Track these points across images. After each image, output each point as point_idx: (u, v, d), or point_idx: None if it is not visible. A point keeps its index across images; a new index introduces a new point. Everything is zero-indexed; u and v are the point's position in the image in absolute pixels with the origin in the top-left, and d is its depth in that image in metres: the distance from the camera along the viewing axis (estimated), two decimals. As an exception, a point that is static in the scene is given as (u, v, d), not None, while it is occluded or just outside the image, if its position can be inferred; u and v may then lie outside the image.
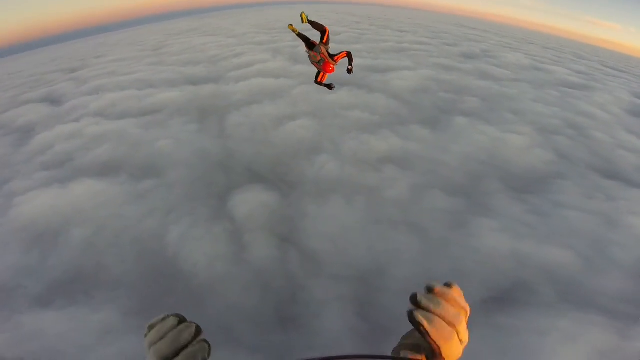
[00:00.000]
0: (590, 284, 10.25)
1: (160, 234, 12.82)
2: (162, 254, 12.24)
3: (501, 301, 9.64)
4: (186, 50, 49.25)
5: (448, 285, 1.19)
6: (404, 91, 26.60)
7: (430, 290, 1.17)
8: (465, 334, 1.15)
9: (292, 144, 18.30)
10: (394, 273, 10.59)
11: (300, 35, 5.10)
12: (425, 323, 1.09)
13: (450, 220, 12.47)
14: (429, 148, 17.66)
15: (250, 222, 13.25)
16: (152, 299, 10.76)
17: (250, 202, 14.18)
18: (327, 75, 5.35)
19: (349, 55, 5.04)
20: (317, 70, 5.30)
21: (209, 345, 1.11)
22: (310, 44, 5.01)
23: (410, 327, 1.10)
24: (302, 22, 5.01)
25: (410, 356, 1.16)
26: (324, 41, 4.98)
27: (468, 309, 1.18)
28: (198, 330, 1.11)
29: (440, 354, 1.11)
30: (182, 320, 1.14)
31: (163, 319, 1.13)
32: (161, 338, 1.07)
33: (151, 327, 1.12)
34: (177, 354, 1.04)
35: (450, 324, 1.11)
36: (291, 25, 5.09)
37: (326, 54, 5.06)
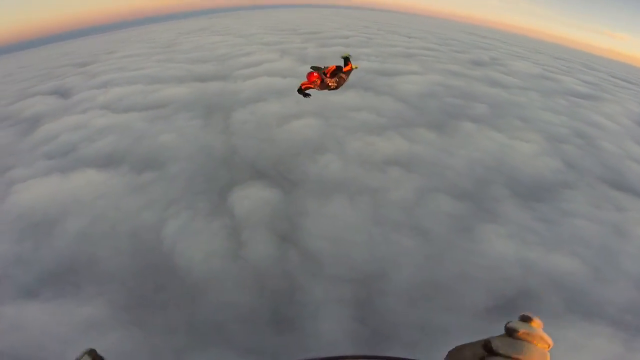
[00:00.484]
0: (597, 294, 9.78)
1: (157, 227, 12.51)
2: (158, 247, 11.92)
3: (506, 309, 9.18)
4: (196, 48, 49.35)
5: (525, 319, 1.09)
6: (412, 95, 26.20)
7: (525, 319, 1.09)
8: None
9: (296, 143, 17.97)
10: (396, 277, 10.15)
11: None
12: None
13: (456, 224, 12.01)
14: (436, 151, 17.22)
15: (250, 218, 12.90)
16: (143, 294, 10.41)
17: (251, 198, 13.84)
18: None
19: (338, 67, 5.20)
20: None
21: None
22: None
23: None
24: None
25: None
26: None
27: (551, 342, 1.07)
28: None
29: None
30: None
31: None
32: None
33: None
34: None
35: None
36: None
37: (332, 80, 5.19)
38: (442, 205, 12.85)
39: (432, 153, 16.99)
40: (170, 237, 12.19)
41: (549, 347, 1.06)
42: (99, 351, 1.29)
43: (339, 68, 5.44)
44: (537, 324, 1.07)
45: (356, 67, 5.27)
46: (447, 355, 1.16)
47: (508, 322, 1.07)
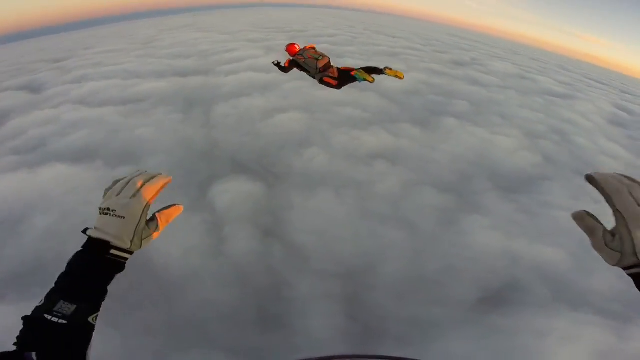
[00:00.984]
0: (582, 283, 9.82)
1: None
2: None
3: (495, 301, 9.08)
4: (177, 44, 47.89)
5: None
6: (396, 92, 26.19)
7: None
8: None
9: (280, 136, 17.51)
10: (383, 270, 9.88)
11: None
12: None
13: (441, 216, 11.88)
14: (420, 146, 17.16)
15: (232, 213, 12.36)
16: (117, 294, 9.46)
17: (233, 192, 13.29)
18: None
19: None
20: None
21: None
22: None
23: None
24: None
25: None
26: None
27: None
28: None
29: None
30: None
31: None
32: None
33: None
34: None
35: None
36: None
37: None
38: (427, 198, 12.72)
39: (416, 147, 16.92)
40: None
41: None
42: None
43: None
44: None
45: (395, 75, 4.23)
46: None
47: None
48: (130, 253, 1.13)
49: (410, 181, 13.76)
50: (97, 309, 1.04)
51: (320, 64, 4.50)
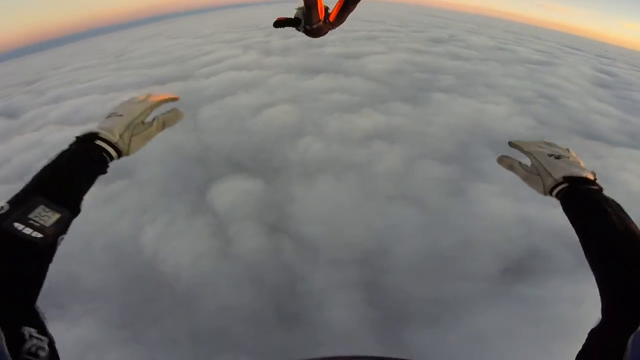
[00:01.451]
0: None
1: (135, 235, 11.25)
2: (139, 257, 10.73)
3: (519, 271, 8.75)
4: (150, 53, 46.61)
5: None
6: (381, 73, 25.96)
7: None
8: None
9: (272, 130, 17.03)
10: (397, 250, 9.53)
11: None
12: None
13: (447, 188, 11.64)
14: (413, 122, 16.91)
15: (234, 212, 11.91)
16: (133, 308, 9.29)
17: (232, 191, 12.82)
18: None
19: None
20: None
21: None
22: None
23: None
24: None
25: None
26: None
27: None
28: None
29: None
30: None
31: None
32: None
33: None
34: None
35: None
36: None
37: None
38: (430, 170, 12.47)
39: (410, 123, 16.66)
40: (150, 245, 11.01)
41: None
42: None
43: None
44: None
45: None
46: None
47: None
48: (118, 153, 1.01)
49: (410, 157, 13.47)
50: (66, 229, 0.82)
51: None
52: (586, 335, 0.74)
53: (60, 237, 0.81)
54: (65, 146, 0.97)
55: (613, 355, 0.60)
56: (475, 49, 43.48)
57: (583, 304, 7.25)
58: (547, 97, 25.20)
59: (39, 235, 0.71)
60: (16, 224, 0.69)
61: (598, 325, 0.74)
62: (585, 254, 0.89)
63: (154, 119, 1.11)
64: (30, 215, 0.71)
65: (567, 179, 1.00)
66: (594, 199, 0.93)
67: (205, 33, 62.84)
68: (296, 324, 8.12)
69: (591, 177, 1.01)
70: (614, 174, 13.26)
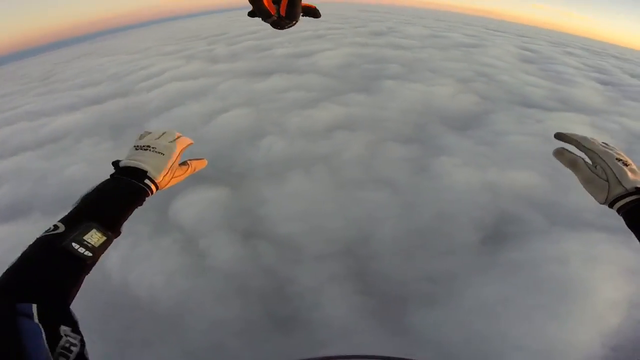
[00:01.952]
0: (566, 202, 10.00)
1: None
2: (108, 283, 9.56)
3: (498, 237, 8.96)
4: (81, 73, 42.70)
5: None
6: (332, 68, 26.22)
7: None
8: None
9: (229, 135, 16.23)
10: (378, 235, 9.43)
11: None
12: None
13: (413, 166, 11.88)
14: (370, 109, 17.17)
15: (202, 225, 11.10)
16: (115, 337, 8.27)
17: (196, 204, 11.95)
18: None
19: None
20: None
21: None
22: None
23: None
24: None
25: None
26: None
27: None
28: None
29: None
30: None
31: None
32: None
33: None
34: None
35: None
36: None
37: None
38: (393, 152, 12.67)
39: (367, 111, 16.90)
40: (117, 270, 9.88)
41: None
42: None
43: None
44: None
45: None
46: None
47: None
48: (156, 188, 1.10)
49: (372, 142, 13.60)
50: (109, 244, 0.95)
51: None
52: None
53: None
54: (110, 172, 1.07)
55: None
56: (413, 39, 45.71)
57: (569, 263, 7.56)
58: (485, 75, 27.16)
59: (90, 254, 0.84)
60: (74, 244, 0.82)
61: None
62: None
63: (186, 163, 1.19)
64: (85, 237, 0.83)
65: (638, 190, 0.92)
66: None
67: (140, 48, 58.98)
68: (293, 327, 7.65)
69: None
70: (555, 134, 14.44)
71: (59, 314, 0.75)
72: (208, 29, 74.52)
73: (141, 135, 1.14)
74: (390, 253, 8.90)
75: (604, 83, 29.15)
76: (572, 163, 1.05)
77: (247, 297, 8.51)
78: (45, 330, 0.65)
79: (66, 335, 0.71)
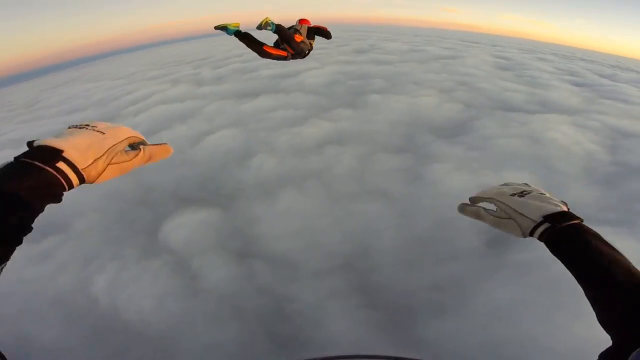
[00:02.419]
0: (564, 199, 10.03)
1: (83, 286, 9.49)
2: (95, 307, 9.01)
3: (501, 240, 8.67)
4: (67, 99, 42.14)
5: None
6: (318, 86, 26.48)
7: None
8: None
9: (217, 157, 15.91)
10: (377, 246, 9.16)
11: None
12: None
13: (406, 175, 11.77)
14: (358, 123, 17.22)
15: (193, 247, 10.62)
16: None
17: (186, 226, 11.50)
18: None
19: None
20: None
21: None
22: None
23: None
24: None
25: None
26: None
27: None
28: None
29: None
30: None
31: None
32: None
33: None
34: None
35: None
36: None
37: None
38: (385, 163, 12.57)
39: (356, 125, 16.92)
40: (105, 294, 9.35)
41: None
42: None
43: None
44: None
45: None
46: None
47: None
48: (81, 180, 0.74)
49: (363, 154, 13.49)
50: (7, 256, 0.67)
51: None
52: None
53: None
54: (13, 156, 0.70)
55: None
56: (394, 54, 47.00)
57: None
58: (465, 84, 27.85)
59: None
60: None
61: (607, 349, 0.75)
62: (587, 292, 0.86)
63: (138, 149, 0.84)
64: None
65: (547, 217, 0.94)
66: (583, 239, 0.90)
67: (125, 73, 58.85)
68: (296, 346, 7.17)
69: (565, 208, 0.97)
70: (542, 135, 14.70)
71: None
72: (193, 54, 75.15)
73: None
74: (391, 264, 8.58)
75: (577, 85, 30.29)
76: (475, 214, 1.06)
77: (244, 318, 8.03)
78: None
79: None
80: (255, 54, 3.95)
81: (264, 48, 4.21)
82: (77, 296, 8.99)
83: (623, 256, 0.85)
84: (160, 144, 0.88)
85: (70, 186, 0.74)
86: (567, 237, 0.91)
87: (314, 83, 27.76)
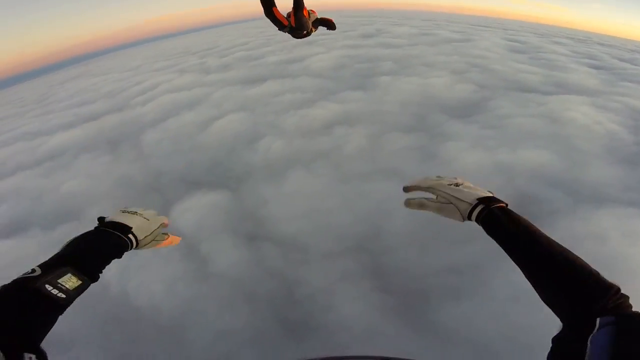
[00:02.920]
0: (586, 178, 9.45)
1: None
2: (107, 293, 8.93)
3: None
4: (76, 93, 42.42)
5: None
6: (325, 69, 25.85)
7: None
8: None
9: (226, 141, 15.66)
10: (390, 227, 8.71)
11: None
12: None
13: (419, 154, 11.27)
14: (368, 104, 16.65)
15: (203, 230, 10.43)
16: (119, 352, 7.69)
17: (195, 210, 11.31)
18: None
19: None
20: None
21: None
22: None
23: None
24: None
25: None
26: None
27: None
28: None
29: None
30: None
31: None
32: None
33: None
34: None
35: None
36: None
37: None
38: (397, 142, 12.07)
39: (365, 106, 16.37)
40: (116, 280, 9.26)
41: None
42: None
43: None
44: None
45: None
46: None
47: None
48: (136, 245, 1.16)
49: (374, 134, 13.00)
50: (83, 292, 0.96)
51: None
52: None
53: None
54: (95, 223, 1.14)
55: (577, 356, 0.63)
56: (403, 37, 45.57)
57: (609, 239, 6.77)
58: (478, 66, 26.77)
59: (63, 296, 0.86)
60: (47, 286, 0.84)
61: (560, 332, 0.78)
62: (524, 271, 0.90)
63: (167, 234, 1.30)
64: (60, 280, 0.87)
65: (480, 200, 1.05)
66: (513, 217, 0.99)
67: (132, 66, 58.82)
68: (306, 332, 6.90)
69: (492, 194, 1.08)
70: (561, 115, 13.93)
71: (23, 344, 0.75)
72: (197, 45, 74.53)
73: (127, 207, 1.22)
74: (405, 245, 8.18)
75: (596, 67, 28.84)
76: (420, 205, 1.17)
77: (254, 302, 7.81)
78: (6, 357, 0.67)
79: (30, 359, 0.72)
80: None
81: (274, 9, 3.85)
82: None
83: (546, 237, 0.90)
84: (176, 237, 1.32)
85: (129, 248, 1.11)
86: (498, 217, 0.99)
87: (321, 67, 27.12)
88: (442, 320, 6.35)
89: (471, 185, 1.14)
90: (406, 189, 1.19)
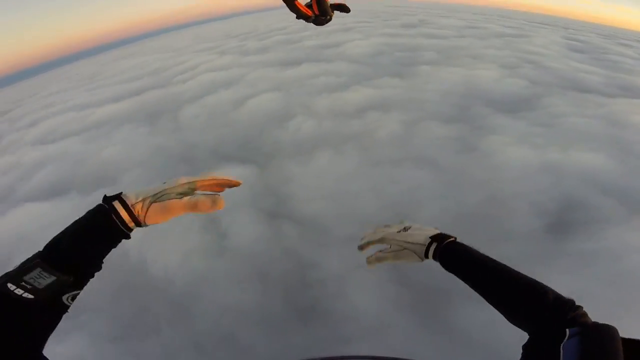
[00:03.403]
0: None
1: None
2: (125, 263, 9.12)
3: (564, 225, 7.41)
4: (125, 71, 44.94)
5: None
6: (362, 56, 25.02)
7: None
8: None
9: (258, 119, 15.62)
10: (419, 215, 8.09)
11: None
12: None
13: (457, 145, 10.38)
14: (405, 91, 15.77)
15: (226, 202, 10.39)
16: (126, 320, 7.77)
17: (222, 181, 11.33)
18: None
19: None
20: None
21: None
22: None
23: None
24: None
25: None
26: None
27: None
28: None
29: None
30: None
31: None
32: None
33: None
34: None
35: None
36: None
37: None
38: (433, 131, 11.22)
39: (402, 93, 15.51)
40: (136, 248, 9.44)
41: None
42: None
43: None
44: None
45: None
46: None
47: None
48: (131, 216, 0.90)
49: (410, 121, 12.20)
50: (80, 287, 0.83)
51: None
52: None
53: (67, 295, 0.80)
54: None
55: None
56: (449, 29, 43.05)
57: None
58: (531, 62, 24.60)
59: (30, 296, 0.74)
60: (9, 284, 0.72)
61: (528, 341, 0.81)
62: (485, 296, 0.98)
63: (186, 196, 0.94)
64: (25, 277, 0.73)
65: (432, 238, 1.09)
66: (466, 250, 1.04)
67: (177, 47, 61.05)
68: (314, 318, 6.55)
69: (440, 232, 1.12)
70: (623, 118, 12.26)
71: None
72: (238, 29, 75.65)
73: None
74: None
75: (672, 73, 25.37)
76: (378, 259, 1.18)
77: (266, 282, 7.58)
78: None
79: None
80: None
81: (296, 2, 3.39)
82: (113, 251, 9.24)
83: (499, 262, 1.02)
84: (210, 195, 0.96)
85: (122, 221, 0.86)
86: (453, 251, 1.05)
87: (358, 53, 26.31)
88: (460, 323, 5.73)
89: (419, 226, 1.17)
90: (360, 248, 1.21)
